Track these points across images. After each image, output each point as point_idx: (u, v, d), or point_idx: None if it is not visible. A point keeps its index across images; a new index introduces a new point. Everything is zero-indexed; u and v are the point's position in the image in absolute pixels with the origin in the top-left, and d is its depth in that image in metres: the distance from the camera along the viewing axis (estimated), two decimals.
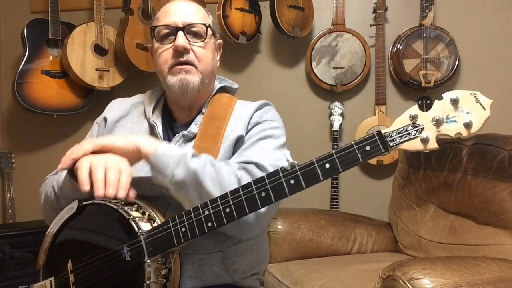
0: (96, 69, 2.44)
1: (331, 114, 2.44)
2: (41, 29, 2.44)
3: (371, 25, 2.41)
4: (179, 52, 1.12)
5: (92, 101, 2.57)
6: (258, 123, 1.15)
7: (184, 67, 1.12)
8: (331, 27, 2.44)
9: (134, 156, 0.99)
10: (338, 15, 2.42)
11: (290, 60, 2.57)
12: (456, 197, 1.82)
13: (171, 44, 1.13)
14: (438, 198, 1.90)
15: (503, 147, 1.69)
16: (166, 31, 1.14)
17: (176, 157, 0.97)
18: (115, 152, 0.98)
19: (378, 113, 2.39)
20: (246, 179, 0.99)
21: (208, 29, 1.15)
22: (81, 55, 2.41)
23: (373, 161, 2.40)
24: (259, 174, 1.00)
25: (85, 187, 0.92)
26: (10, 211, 2.56)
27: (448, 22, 2.35)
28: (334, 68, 2.43)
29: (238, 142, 1.12)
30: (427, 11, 2.29)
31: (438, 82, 2.30)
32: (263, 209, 0.92)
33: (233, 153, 1.12)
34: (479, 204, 1.72)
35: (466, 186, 1.77)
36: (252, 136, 1.12)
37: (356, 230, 2.07)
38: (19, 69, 2.40)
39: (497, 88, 2.32)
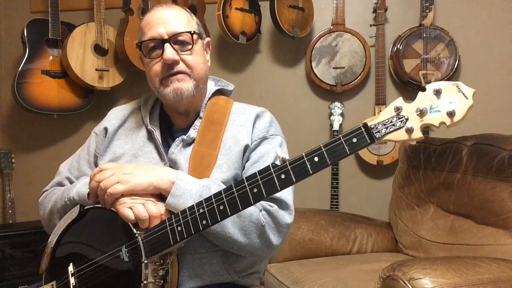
0: (96, 69, 2.44)
1: (331, 114, 2.44)
2: (41, 29, 2.45)
3: (371, 25, 2.41)
4: (169, 65, 1.11)
5: (92, 101, 2.57)
6: (265, 138, 1.16)
7: (177, 77, 1.12)
8: (331, 27, 2.44)
9: (152, 192, 1.02)
10: (338, 15, 2.42)
11: (290, 60, 2.57)
12: (456, 197, 1.82)
13: (160, 58, 1.12)
14: (438, 198, 1.90)
15: (503, 147, 1.69)
16: (152, 44, 1.12)
17: (194, 197, 0.99)
18: (137, 192, 1.01)
19: (378, 113, 2.38)
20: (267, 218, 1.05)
21: (194, 35, 1.14)
22: (81, 55, 2.41)
23: (373, 161, 2.40)
24: (281, 213, 1.06)
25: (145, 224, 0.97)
26: (10, 211, 2.57)
27: (448, 22, 2.35)
28: (334, 68, 2.43)
29: (246, 152, 1.13)
30: (427, 11, 2.29)
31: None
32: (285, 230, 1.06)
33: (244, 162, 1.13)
34: (479, 204, 1.72)
35: (466, 186, 1.77)
36: (264, 155, 1.13)
37: (356, 230, 2.07)
38: (19, 69, 2.40)
39: (497, 88, 2.32)
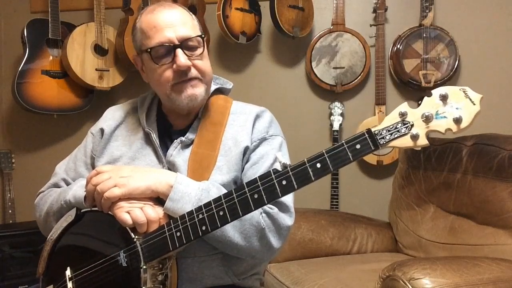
0: (96, 69, 2.44)
1: (331, 114, 2.44)
2: (41, 29, 2.44)
3: (371, 25, 2.40)
4: (182, 71, 1.08)
5: (92, 101, 2.57)
6: (265, 139, 1.14)
7: (191, 83, 1.10)
8: (331, 27, 2.44)
9: (151, 196, 1.01)
10: (338, 15, 2.42)
11: (290, 60, 2.57)
12: (456, 197, 1.82)
13: (170, 63, 1.08)
14: (438, 198, 1.90)
15: (503, 147, 1.69)
16: (162, 50, 1.08)
17: (193, 201, 0.98)
18: (135, 196, 1.00)
19: (378, 113, 2.39)
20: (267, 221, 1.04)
21: (203, 39, 1.12)
22: (81, 55, 2.41)
23: (373, 161, 2.40)
24: (282, 216, 1.05)
25: (143, 228, 0.97)
26: (10, 211, 2.56)
27: (448, 22, 2.35)
28: (334, 68, 2.43)
29: (246, 153, 1.12)
30: (427, 11, 2.29)
31: (438, 82, 2.30)
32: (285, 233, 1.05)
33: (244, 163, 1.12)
34: (479, 204, 1.72)
35: (466, 186, 1.77)
36: (264, 156, 1.12)
37: (356, 230, 2.07)
38: (19, 69, 2.40)
39: (497, 88, 2.32)
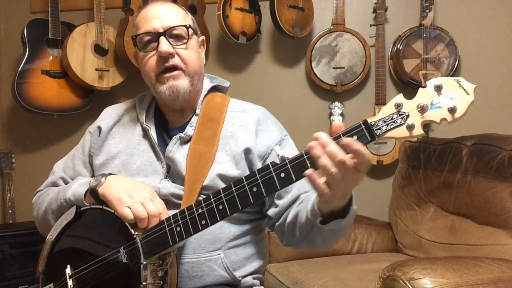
0: (96, 69, 2.44)
1: (331, 114, 2.44)
2: (41, 29, 2.44)
3: (371, 25, 2.41)
4: (164, 58, 1.10)
5: (92, 101, 2.57)
6: (282, 140, 1.20)
7: (172, 74, 1.11)
8: (331, 27, 2.44)
9: None
10: (338, 15, 2.42)
11: (290, 60, 2.57)
12: (456, 197, 1.82)
13: (155, 51, 1.10)
14: (438, 198, 1.90)
15: (503, 147, 1.69)
16: (147, 38, 1.12)
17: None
18: None
19: (378, 113, 2.39)
20: None
21: (189, 29, 1.14)
22: (81, 55, 2.41)
23: (373, 161, 2.40)
24: None
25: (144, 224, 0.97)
26: (10, 211, 2.56)
27: (448, 22, 2.35)
28: (334, 68, 2.43)
29: (249, 154, 1.12)
30: (427, 11, 2.29)
31: None
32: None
33: (248, 164, 1.12)
34: (479, 204, 1.72)
35: (466, 186, 1.77)
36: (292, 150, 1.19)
37: (356, 230, 2.07)
38: (19, 69, 2.40)
39: (497, 87, 2.32)
